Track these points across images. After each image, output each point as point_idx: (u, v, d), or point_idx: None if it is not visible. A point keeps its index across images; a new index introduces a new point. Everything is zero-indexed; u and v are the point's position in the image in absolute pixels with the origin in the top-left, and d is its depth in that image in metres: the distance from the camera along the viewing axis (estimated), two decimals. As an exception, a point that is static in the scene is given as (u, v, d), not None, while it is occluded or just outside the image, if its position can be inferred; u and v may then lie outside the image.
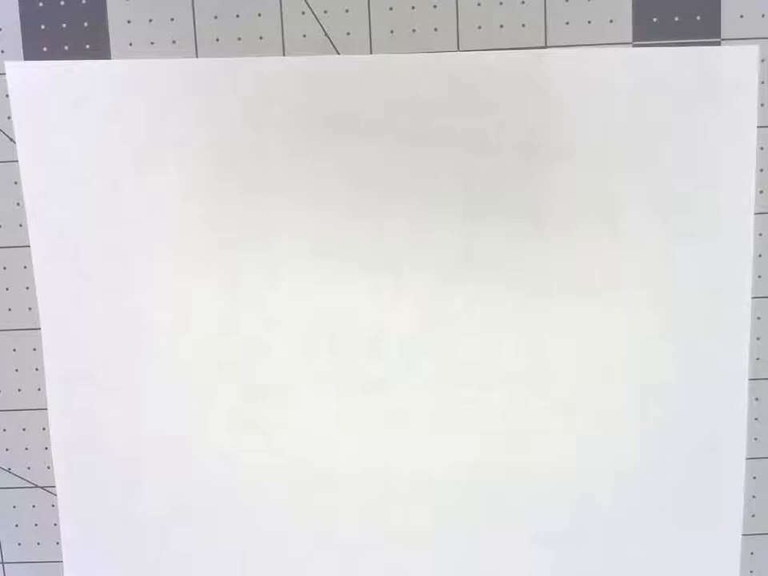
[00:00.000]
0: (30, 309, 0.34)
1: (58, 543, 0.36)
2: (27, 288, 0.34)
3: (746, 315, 0.33)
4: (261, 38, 0.32)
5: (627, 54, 0.32)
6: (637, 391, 0.34)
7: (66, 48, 0.32)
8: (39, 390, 0.35)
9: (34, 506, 0.36)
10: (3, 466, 0.36)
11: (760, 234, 0.33)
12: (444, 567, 0.35)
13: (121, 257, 0.33)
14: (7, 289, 0.34)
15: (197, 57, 0.32)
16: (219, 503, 0.35)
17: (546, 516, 0.35)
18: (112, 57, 0.32)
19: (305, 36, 0.32)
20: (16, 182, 0.33)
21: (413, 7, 0.32)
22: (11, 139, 0.33)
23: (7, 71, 0.32)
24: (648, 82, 0.32)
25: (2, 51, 0.33)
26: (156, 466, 0.34)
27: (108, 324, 0.34)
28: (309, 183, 0.32)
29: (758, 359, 0.34)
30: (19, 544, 0.36)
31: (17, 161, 0.33)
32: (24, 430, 0.35)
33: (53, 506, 0.35)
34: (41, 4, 0.32)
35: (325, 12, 0.32)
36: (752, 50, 0.32)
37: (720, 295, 0.33)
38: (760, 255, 0.33)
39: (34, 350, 0.34)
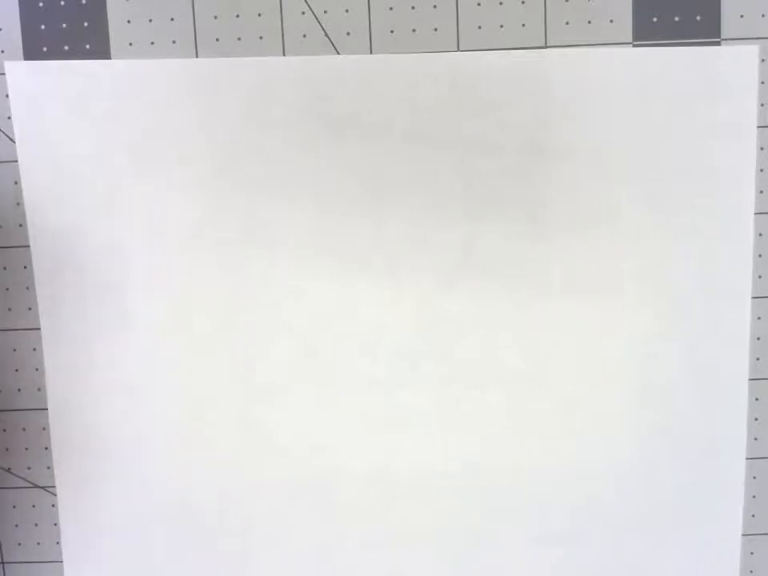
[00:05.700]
0: (29, 309, 0.34)
1: (58, 543, 0.36)
2: (27, 288, 0.34)
3: (746, 315, 0.33)
4: (261, 37, 0.32)
5: (627, 54, 0.32)
6: (637, 391, 0.34)
7: (66, 48, 0.32)
8: (39, 390, 0.35)
9: (34, 506, 0.36)
10: (3, 466, 0.36)
11: (760, 234, 0.33)
12: (444, 567, 0.35)
13: (121, 256, 0.33)
14: (7, 289, 0.34)
15: (197, 57, 0.32)
16: (219, 503, 0.35)
17: (546, 516, 0.35)
18: (112, 57, 0.32)
19: (305, 36, 0.32)
20: (16, 182, 0.33)
21: (413, 7, 0.32)
22: (11, 139, 0.33)
23: (7, 71, 0.32)
24: (648, 81, 0.32)
25: (2, 51, 0.33)
26: (156, 466, 0.34)
27: (108, 324, 0.34)
28: (309, 183, 0.32)
29: (758, 359, 0.34)
30: (19, 544, 0.36)
31: (17, 161, 0.33)
32: (24, 430, 0.35)
33: (53, 506, 0.35)
34: (41, 4, 0.32)
35: (325, 12, 0.32)
36: (752, 50, 0.32)
37: (720, 295, 0.33)
38: (760, 255, 0.33)
39: (34, 349, 0.34)
